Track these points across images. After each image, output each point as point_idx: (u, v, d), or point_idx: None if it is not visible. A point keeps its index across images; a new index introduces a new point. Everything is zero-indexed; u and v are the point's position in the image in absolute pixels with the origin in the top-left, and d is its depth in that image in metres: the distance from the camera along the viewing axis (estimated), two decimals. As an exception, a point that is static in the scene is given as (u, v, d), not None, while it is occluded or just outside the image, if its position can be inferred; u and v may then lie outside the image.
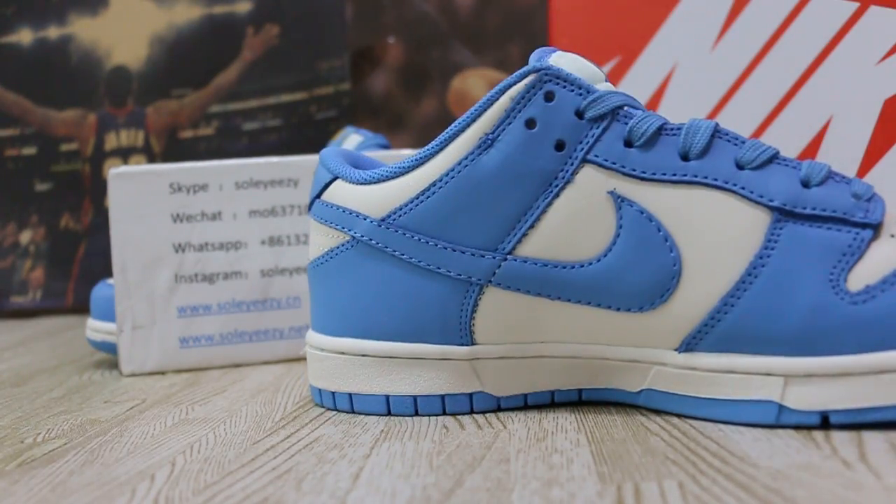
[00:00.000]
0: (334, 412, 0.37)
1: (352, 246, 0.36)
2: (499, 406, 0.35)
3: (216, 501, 0.26)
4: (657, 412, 0.34)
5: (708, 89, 0.62)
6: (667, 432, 0.31)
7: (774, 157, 0.33)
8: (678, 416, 0.33)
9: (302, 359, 0.51)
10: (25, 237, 0.85)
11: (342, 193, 0.37)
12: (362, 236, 0.36)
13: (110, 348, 0.51)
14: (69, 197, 0.85)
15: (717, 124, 0.33)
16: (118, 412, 0.40)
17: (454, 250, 0.34)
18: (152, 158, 0.83)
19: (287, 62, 0.81)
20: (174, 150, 0.83)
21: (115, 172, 0.50)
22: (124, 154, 0.84)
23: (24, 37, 0.86)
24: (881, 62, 0.53)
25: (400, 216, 0.35)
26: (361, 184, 0.36)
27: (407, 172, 0.35)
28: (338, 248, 0.37)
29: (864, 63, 0.53)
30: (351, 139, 0.63)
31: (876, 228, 0.31)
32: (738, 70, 0.61)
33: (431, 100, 0.83)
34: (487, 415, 0.35)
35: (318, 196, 0.38)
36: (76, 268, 0.84)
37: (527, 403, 0.36)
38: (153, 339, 0.49)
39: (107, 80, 0.85)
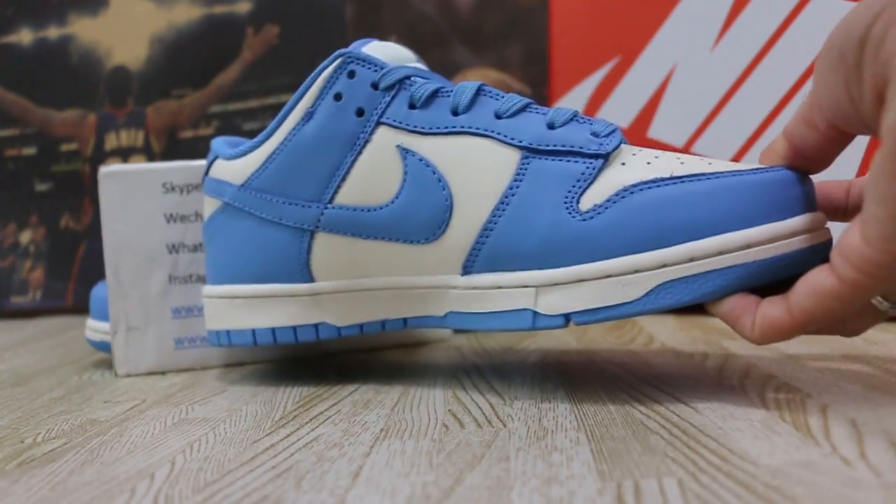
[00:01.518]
0: (334, 411, 0.37)
1: (224, 209, 0.44)
2: (339, 334, 0.42)
3: (216, 500, 0.26)
4: (655, 410, 0.34)
5: (708, 89, 0.62)
6: (667, 430, 0.31)
7: (527, 107, 0.39)
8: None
9: (301, 359, 0.51)
10: (25, 237, 0.86)
11: (219, 169, 0.44)
12: (229, 200, 0.43)
13: (110, 348, 0.51)
14: (69, 197, 0.85)
15: (482, 84, 0.39)
16: (118, 412, 0.40)
17: (290, 204, 0.41)
18: (152, 158, 0.83)
19: (287, 62, 0.81)
20: (174, 150, 0.83)
21: (106, 171, 0.49)
22: (124, 154, 0.84)
23: (24, 37, 0.86)
24: (881, 62, 0.52)
25: (253, 181, 0.42)
26: (231, 159, 0.44)
27: (259, 146, 0.42)
28: (216, 212, 0.44)
29: (863, 62, 0.53)
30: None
31: (607, 158, 0.36)
32: (738, 70, 0.61)
33: (431, 100, 0.82)
34: (487, 413, 0.35)
35: (206, 174, 0.45)
36: (76, 268, 0.84)
37: (363, 331, 0.41)
38: (148, 341, 0.49)
39: (107, 80, 0.85)
